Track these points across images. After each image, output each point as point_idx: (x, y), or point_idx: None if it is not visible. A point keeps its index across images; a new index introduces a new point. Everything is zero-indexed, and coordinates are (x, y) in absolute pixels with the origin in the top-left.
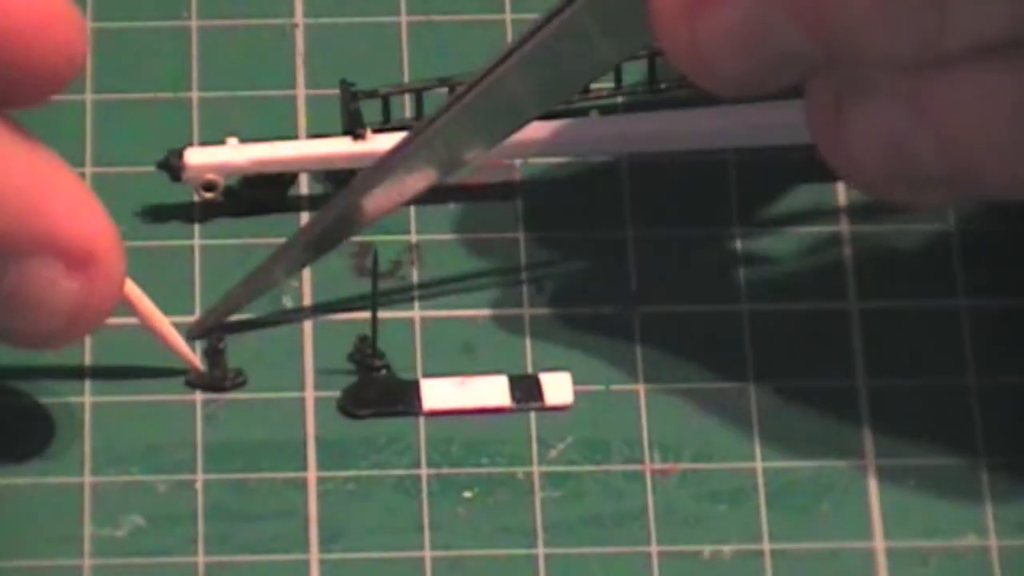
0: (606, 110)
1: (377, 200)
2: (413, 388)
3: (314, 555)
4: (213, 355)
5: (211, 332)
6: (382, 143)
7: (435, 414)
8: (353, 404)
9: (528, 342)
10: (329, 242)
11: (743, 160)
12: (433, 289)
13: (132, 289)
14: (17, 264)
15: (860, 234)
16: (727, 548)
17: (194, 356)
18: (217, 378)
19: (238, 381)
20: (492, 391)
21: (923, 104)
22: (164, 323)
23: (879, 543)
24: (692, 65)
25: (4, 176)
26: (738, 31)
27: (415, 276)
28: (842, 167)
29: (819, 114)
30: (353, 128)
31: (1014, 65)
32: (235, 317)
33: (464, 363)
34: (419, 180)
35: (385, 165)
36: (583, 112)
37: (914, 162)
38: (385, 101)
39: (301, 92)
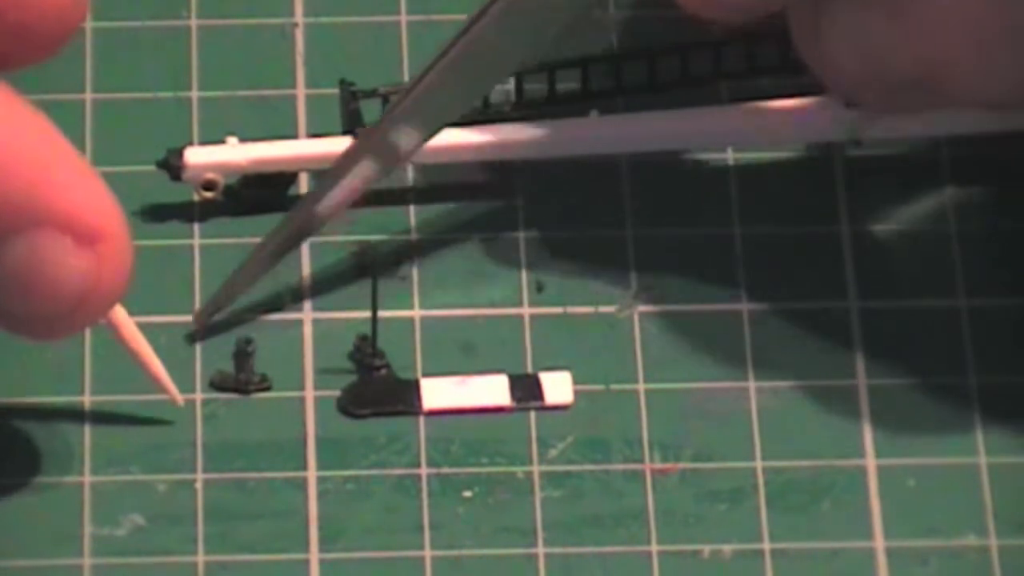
0: (606, 110)
1: (330, 202)
2: (413, 388)
3: (314, 555)
4: (241, 358)
5: (207, 326)
6: None
7: (435, 414)
8: (353, 404)
9: (528, 342)
10: (291, 246)
11: (743, 160)
12: (433, 289)
13: (120, 314)
14: (23, 238)
15: (860, 234)
16: (727, 548)
17: (173, 387)
18: (242, 381)
19: (263, 386)
20: (492, 391)
21: (896, 8)
22: (148, 350)
23: (879, 543)
24: None
25: (11, 143)
26: None
27: (415, 276)
28: (822, 71)
29: (801, 19)
30: (353, 128)
31: None
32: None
33: (464, 363)
34: (363, 178)
35: (334, 171)
36: (583, 112)
37: (888, 65)
38: (385, 101)
39: (301, 92)
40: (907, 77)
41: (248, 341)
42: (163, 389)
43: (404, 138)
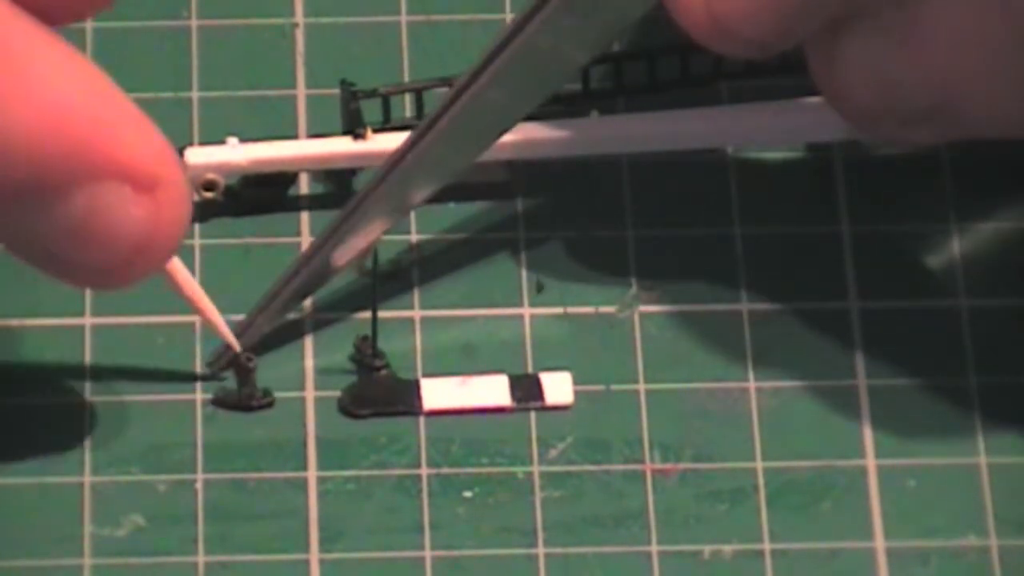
0: (606, 110)
1: (344, 253)
2: (413, 388)
3: (314, 555)
4: (243, 374)
5: (227, 368)
6: (382, 143)
7: (435, 414)
8: (353, 404)
9: (528, 342)
10: (309, 290)
11: (743, 160)
12: (433, 289)
13: (175, 263)
14: (83, 189)
15: (860, 234)
16: (727, 548)
17: (231, 334)
18: (245, 397)
19: (265, 402)
20: (492, 391)
21: (910, 37)
22: (204, 298)
23: (879, 543)
24: (711, 30)
25: (70, 95)
26: None
27: (415, 276)
28: (835, 100)
29: (816, 53)
30: (353, 128)
31: (998, 1)
32: (235, 317)
33: (464, 363)
34: (376, 229)
35: (348, 216)
36: (583, 112)
37: (901, 95)
38: (385, 101)
39: (301, 92)
40: (922, 108)
41: (249, 357)
42: (221, 336)
43: (415, 189)
